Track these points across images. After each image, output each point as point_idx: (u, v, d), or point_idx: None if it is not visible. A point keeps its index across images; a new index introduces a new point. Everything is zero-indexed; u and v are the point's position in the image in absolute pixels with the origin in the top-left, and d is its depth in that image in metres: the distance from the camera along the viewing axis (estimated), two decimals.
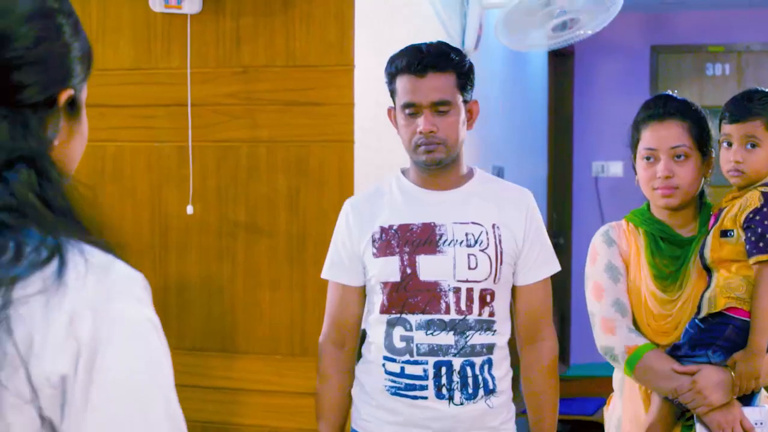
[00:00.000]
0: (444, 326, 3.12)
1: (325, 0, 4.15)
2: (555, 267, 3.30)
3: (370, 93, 4.24)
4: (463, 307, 3.13)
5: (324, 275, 3.36)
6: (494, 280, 3.16)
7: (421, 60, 3.14)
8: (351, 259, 3.27)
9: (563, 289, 8.70)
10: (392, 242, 3.18)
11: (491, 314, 3.17)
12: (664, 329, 3.24)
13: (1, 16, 1.37)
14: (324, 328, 3.37)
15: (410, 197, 3.25)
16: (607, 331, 3.25)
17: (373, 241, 3.21)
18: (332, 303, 3.35)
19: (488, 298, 3.16)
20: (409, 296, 3.15)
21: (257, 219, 4.26)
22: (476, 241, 3.16)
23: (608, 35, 7.93)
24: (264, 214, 4.25)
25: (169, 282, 4.36)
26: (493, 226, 3.19)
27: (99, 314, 1.31)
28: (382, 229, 3.21)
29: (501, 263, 3.17)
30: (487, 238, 3.17)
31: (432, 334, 3.12)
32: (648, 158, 3.27)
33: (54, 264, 1.31)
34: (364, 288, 3.30)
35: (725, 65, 9.21)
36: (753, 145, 3.14)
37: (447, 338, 3.13)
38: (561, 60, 9.06)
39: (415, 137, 3.16)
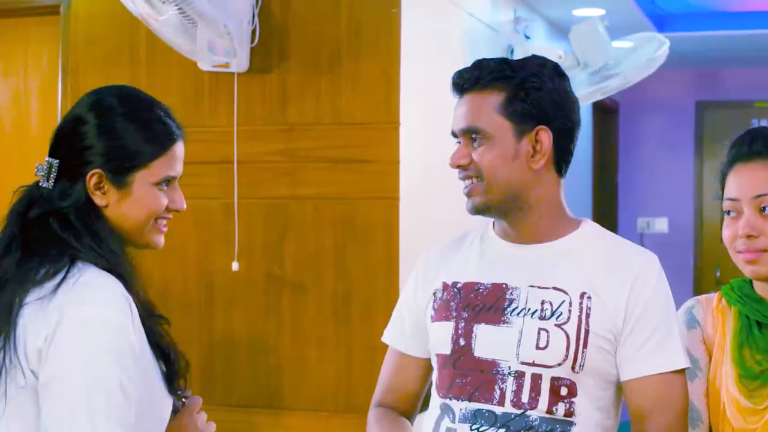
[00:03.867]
0: (493, 421, 2.35)
1: (371, 59, 4.18)
2: (676, 361, 2.39)
3: (416, 150, 4.26)
4: (523, 398, 2.34)
5: (383, 338, 2.69)
6: (573, 368, 2.34)
7: (461, 75, 2.48)
8: (416, 322, 2.58)
9: None
10: (451, 304, 2.46)
11: (569, 413, 2.34)
12: None
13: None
14: (374, 396, 2.68)
15: (486, 250, 2.51)
16: None
17: (434, 300, 2.52)
18: (387, 370, 2.66)
19: (563, 391, 2.34)
20: (457, 376, 2.41)
21: (303, 276, 4.27)
22: (553, 313, 2.36)
23: (653, 91, 7.95)
24: (310, 271, 4.26)
25: (215, 338, 4.37)
26: (582, 295, 2.37)
27: (63, 312, 2.02)
28: (445, 286, 2.50)
29: (585, 346, 2.34)
30: (569, 311, 2.36)
31: (477, 429, 2.36)
32: (729, 212, 2.44)
33: (57, 279, 2.06)
34: (429, 361, 2.58)
35: None
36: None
37: None
38: (606, 116, 9.05)
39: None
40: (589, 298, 2.36)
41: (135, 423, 2.06)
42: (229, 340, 4.36)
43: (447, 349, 2.43)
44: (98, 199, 2.17)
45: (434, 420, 2.45)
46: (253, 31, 4.25)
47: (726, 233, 2.43)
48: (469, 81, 2.44)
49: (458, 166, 2.43)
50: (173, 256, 4.43)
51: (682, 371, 2.40)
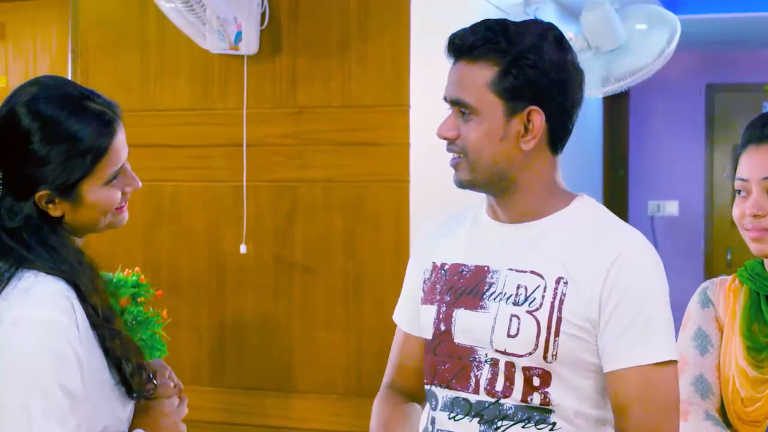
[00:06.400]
0: (468, 409, 2.26)
1: (380, 41, 4.17)
2: (660, 352, 2.17)
3: (426, 133, 4.24)
4: (497, 386, 2.22)
5: (393, 316, 2.60)
6: (545, 357, 2.19)
7: (454, 40, 2.28)
8: (414, 300, 2.46)
9: None
10: (437, 286, 2.36)
11: (545, 403, 2.20)
12: (752, 417, 2.49)
13: None
14: (385, 375, 2.58)
15: (475, 230, 2.38)
16: (681, 416, 2.33)
17: (424, 281, 2.42)
18: (394, 349, 2.56)
19: (536, 381, 2.21)
20: (438, 362, 2.32)
21: (313, 259, 4.27)
22: (526, 299, 2.22)
23: (663, 75, 7.91)
24: (320, 254, 4.26)
25: (225, 321, 4.38)
26: (558, 280, 2.21)
27: (2, 315, 2.01)
28: (434, 267, 2.40)
29: (557, 334, 2.18)
30: (543, 296, 2.20)
31: (454, 418, 2.28)
32: (739, 191, 2.56)
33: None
34: None
35: None
36: None
37: (470, 427, 2.26)
38: (616, 100, 9.02)
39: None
40: (566, 283, 2.20)
41: (90, 422, 2.04)
42: (239, 324, 4.36)
43: (429, 334, 2.34)
44: (53, 212, 2.14)
45: (427, 407, 2.38)
46: (263, 14, 4.24)
47: (735, 211, 2.56)
48: (462, 48, 2.25)
49: (445, 138, 2.28)
50: (182, 239, 4.43)
51: (667, 363, 2.19)
